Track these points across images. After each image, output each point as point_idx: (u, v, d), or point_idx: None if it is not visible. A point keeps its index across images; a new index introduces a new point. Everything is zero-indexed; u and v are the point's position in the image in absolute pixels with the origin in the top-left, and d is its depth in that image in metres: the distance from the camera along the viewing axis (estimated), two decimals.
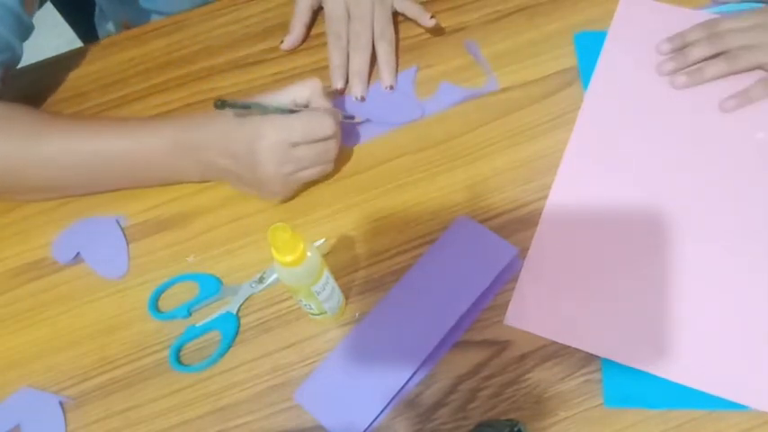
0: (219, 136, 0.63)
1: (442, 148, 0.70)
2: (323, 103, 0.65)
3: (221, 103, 0.60)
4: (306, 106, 0.65)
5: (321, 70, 0.75)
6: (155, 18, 0.88)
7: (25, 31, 0.71)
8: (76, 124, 0.68)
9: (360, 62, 0.73)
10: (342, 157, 0.70)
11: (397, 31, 0.76)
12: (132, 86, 0.77)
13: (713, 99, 0.69)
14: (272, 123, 0.62)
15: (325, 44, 0.76)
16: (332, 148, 0.65)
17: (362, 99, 0.73)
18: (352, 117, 0.70)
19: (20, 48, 0.71)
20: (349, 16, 0.74)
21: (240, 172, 0.64)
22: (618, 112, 0.69)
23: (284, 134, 0.61)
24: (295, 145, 0.62)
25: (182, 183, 0.70)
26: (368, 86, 0.74)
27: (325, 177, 0.69)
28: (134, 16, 0.89)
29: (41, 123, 0.66)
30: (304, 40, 0.77)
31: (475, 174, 0.68)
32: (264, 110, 0.62)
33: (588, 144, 0.68)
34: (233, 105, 0.61)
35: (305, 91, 0.64)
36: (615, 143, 0.68)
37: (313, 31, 0.78)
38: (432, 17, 0.74)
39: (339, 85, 0.73)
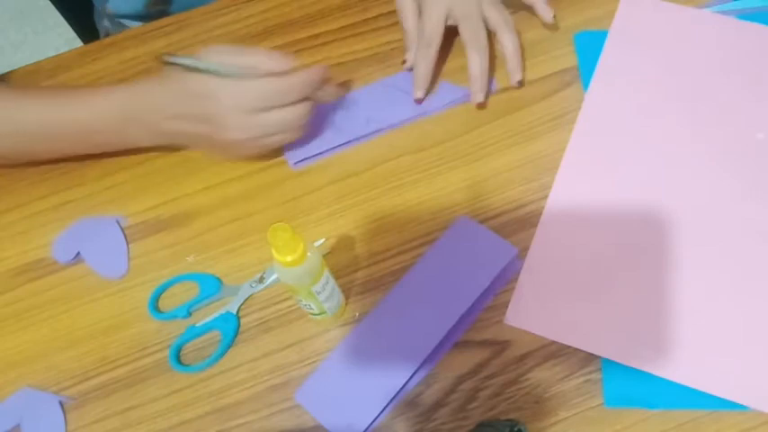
0: (168, 99, 0.63)
1: (442, 148, 0.70)
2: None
3: (168, 57, 0.60)
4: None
5: None
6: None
7: None
8: (25, 94, 0.68)
9: (481, 63, 0.69)
10: (342, 157, 0.70)
11: (396, 32, 0.76)
12: None
13: (714, 99, 0.69)
14: (227, 89, 0.61)
15: (325, 43, 0.76)
16: (302, 113, 0.64)
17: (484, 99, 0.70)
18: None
19: None
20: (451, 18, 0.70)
21: (199, 132, 0.64)
22: (618, 112, 0.69)
23: (239, 100, 0.61)
24: (256, 111, 0.62)
25: (134, 148, 0.70)
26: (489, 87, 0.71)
27: (326, 177, 0.69)
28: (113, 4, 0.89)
29: None
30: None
31: (475, 174, 0.68)
32: (217, 73, 0.61)
33: (588, 144, 0.68)
34: (181, 63, 0.60)
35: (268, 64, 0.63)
36: (615, 143, 0.68)
37: (315, 31, 0.78)
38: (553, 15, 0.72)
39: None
